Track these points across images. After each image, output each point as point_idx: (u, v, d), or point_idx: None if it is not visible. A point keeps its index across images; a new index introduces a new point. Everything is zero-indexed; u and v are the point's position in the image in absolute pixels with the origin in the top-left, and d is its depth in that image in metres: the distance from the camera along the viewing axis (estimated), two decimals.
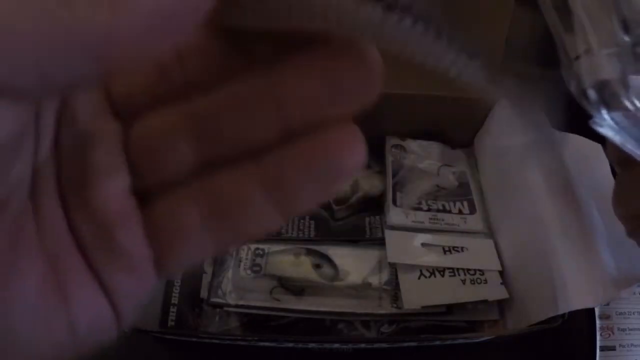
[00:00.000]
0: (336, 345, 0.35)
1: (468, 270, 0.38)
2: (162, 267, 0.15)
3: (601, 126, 0.22)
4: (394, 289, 0.38)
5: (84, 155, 0.14)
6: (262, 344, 0.34)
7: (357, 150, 0.14)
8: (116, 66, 0.11)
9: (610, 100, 0.21)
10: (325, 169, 0.14)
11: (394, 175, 0.43)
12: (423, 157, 0.45)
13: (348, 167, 0.14)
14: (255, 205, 0.14)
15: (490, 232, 0.42)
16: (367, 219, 0.42)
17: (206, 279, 0.38)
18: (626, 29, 0.21)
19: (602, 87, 0.21)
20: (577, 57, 0.22)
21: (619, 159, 0.28)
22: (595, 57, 0.21)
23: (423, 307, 0.36)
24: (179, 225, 0.14)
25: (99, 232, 0.14)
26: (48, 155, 0.14)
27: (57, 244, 0.13)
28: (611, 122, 0.22)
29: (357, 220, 0.42)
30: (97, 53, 0.10)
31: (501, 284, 0.38)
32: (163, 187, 0.15)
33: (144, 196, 0.15)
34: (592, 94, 0.21)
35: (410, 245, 0.39)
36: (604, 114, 0.22)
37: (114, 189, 0.14)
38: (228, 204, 0.14)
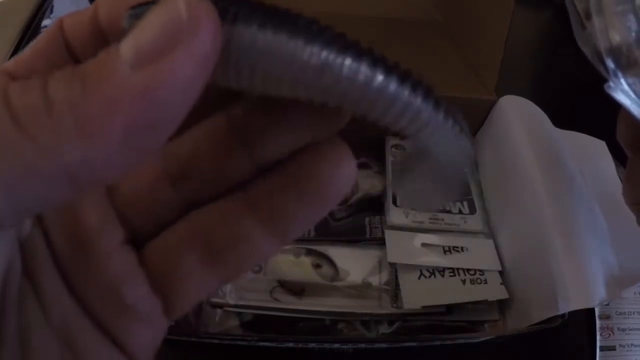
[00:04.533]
0: (336, 345, 0.35)
1: (468, 270, 0.38)
2: (170, 311, 0.15)
3: (616, 92, 0.21)
4: (394, 289, 0.37)
5: (75, 219, 0.14)
6: (262, 344, 0.33)
7: (346, 166, 0.14)
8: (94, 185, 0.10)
9: (626, 66, 0.20)
10: (316, 191, 0.14)
11: None
12: None
13: (340, 185, 0.14)
14: (252, 239, 0.14)
15: (490, 232, 0.41)
16: (367, 219, 0.42)
17: None
18: None
19: (618, 52, 0.20)
20: (589, 17, 0.21)
21: (631, 142, 0.26)
22: (608, 16, 0.20)
23: (423, 307, 0.36)
24: (180, 271, 0.14)
25: (106, 293, 0.14)
26: (35, 231, 0.13)
27: (63, 315, 0.13)
28: (627, 88, 0.21)
29: (357, 220, 0.42)
30: (68, 182, 0.09)
31: (501, 284, 0.38)
32: (154, 232, 0.15)
33: (136, 244, 0.15)
34: (607, 59, 0.21)
35: (410, 245, 0.39)
36: (621, 79, 0.21)
37: (111, 246, 0.14)
38: (223, 243, 0.14)
